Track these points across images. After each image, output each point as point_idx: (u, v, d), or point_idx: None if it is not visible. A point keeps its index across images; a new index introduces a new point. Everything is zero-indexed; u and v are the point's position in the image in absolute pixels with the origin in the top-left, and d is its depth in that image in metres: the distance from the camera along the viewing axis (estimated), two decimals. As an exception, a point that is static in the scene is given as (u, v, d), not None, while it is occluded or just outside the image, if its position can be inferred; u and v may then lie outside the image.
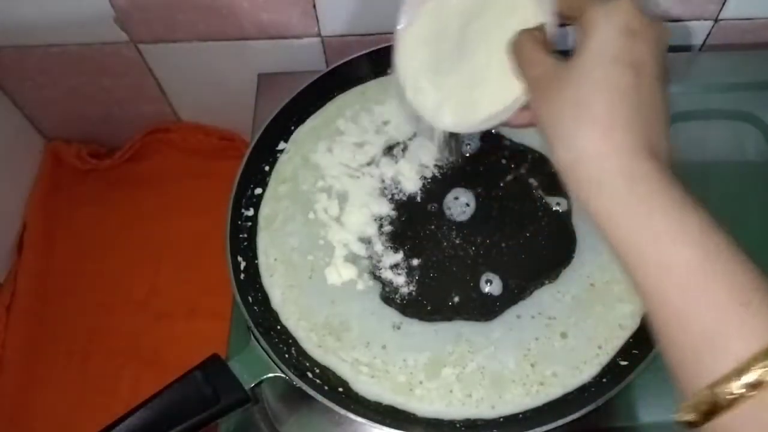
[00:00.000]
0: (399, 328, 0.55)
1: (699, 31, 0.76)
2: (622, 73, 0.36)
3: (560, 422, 0.48)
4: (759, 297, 0.31)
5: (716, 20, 0.75)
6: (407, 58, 0.49)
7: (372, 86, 0.68)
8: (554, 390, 0.52)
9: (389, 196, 0.62)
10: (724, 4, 0.72)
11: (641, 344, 0.53)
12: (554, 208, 0.60)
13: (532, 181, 0.62)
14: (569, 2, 0.41)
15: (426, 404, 0.52)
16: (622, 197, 0.35)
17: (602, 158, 0.35)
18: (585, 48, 0.37)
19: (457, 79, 0.47)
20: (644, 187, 0.34)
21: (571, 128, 0.37)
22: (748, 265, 0.32)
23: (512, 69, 0.43)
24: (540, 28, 0.43)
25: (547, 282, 0.56)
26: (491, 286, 0.57)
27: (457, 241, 0.59)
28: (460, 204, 0.61)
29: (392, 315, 0.56)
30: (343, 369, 0.53)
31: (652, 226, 0.34)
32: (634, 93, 0.36)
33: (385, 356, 0.54)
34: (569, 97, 0.37)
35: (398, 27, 0.49)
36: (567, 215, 0.60)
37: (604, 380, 0.52)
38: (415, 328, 0.55)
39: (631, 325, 0.54)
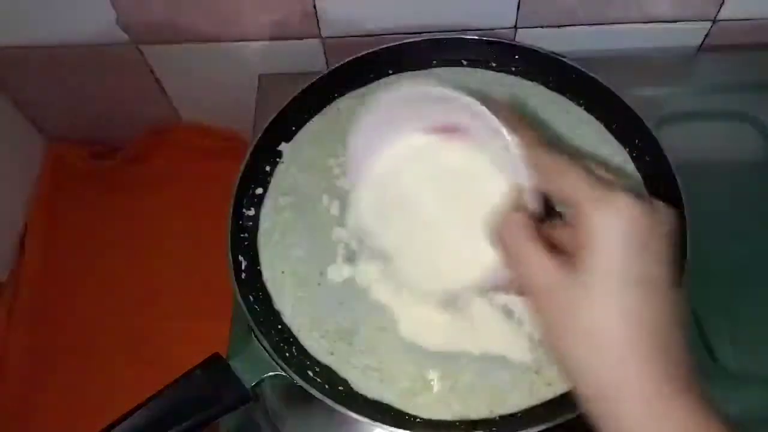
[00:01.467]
0: None
1: (697, 31, 0.77)
2: (634, 296, 0.34)
3: (559, 420, 0.48)
4: None
5: (714, 21, 0.75)
6: (361, 213, 0.50)
7: (372, 88, 0.68)
8: (560, 385, 0.52)
9: (389, 196, 0.62)
10: (722, 4, 0.73)
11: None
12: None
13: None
14: (554, 183, 0.37)
15: (432, 411, 0.51)
16: None
17: (622, 396, 0.34)
18: (590, 266, 0.34)
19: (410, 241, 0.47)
20: (669, 425, 0.33)
21: (589, 361, 0.35)
22: None
23: (496, 259, 0.39)
24: (524, 205, 0.38)
25: (546, 281, 0.57)
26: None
27: (457, 241, 0.59)
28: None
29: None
30: (352, 373, 0.53)
31: None
32: (648, 314, 0.34)
33: (392, 361, 0.54)
34: (582, 327, 0.35)
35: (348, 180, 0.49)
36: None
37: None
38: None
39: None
